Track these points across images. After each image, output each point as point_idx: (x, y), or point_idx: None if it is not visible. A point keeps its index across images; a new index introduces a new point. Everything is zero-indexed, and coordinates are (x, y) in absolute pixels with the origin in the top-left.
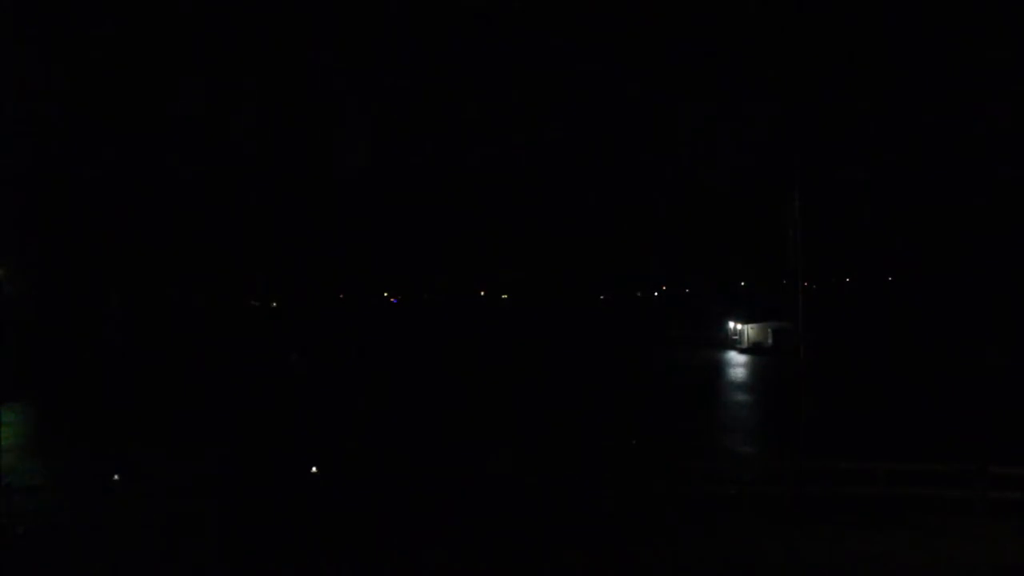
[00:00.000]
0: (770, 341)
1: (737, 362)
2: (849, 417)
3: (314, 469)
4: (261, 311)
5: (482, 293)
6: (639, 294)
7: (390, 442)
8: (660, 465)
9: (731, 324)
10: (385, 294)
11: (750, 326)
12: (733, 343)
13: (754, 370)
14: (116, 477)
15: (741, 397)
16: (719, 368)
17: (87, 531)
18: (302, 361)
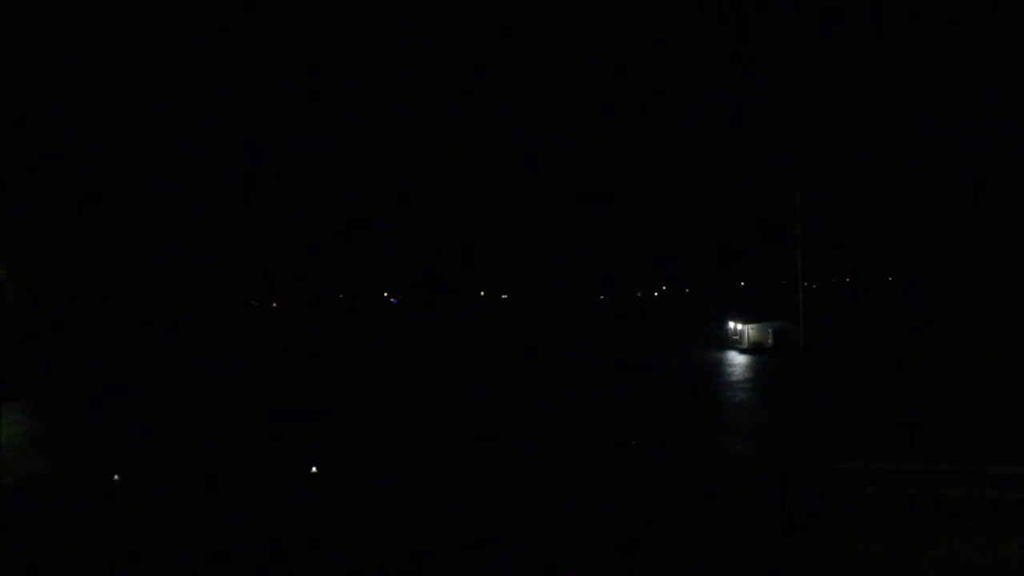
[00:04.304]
0: (770, 341)
1: (737, 362)
2: (849, 417)
3: (314, 469)
4: (261, 311)
5: (482, 293)
6: (639, 294)
7: (390, 442)
8: (660, 465)
9: (731, 324)
10: (385, 294)
11: (750, 326)
12: (733, 343)
13: (754, 370)
14: (116, 477)
15: (741, 397)
16: (719, 368)
17: (87, 531)
18: (301, 361)
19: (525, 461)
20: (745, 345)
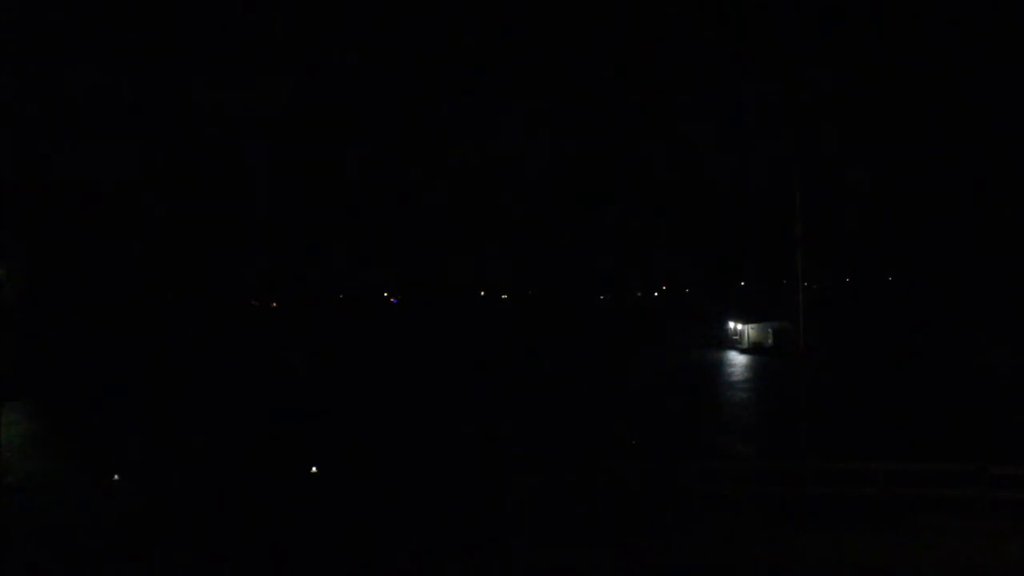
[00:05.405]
0: (770, 341)
1: (737, 362)
2: (849, 417)
3: (314, 469)
4: (261, 311)
5: (482, 293)
6: (639, 294)
7: (390, 442)
8: (660, 465)
9: (731, 324)
10: (385, 294)
11: (750, 326)
12: (733, 343)
13: (754, 370)
14: (116, 477)
15: (741, 397)
16: (719, 368)
17: (87, 531)
18: (301, 361)
19: (525, 461)
20: (745, 345)
